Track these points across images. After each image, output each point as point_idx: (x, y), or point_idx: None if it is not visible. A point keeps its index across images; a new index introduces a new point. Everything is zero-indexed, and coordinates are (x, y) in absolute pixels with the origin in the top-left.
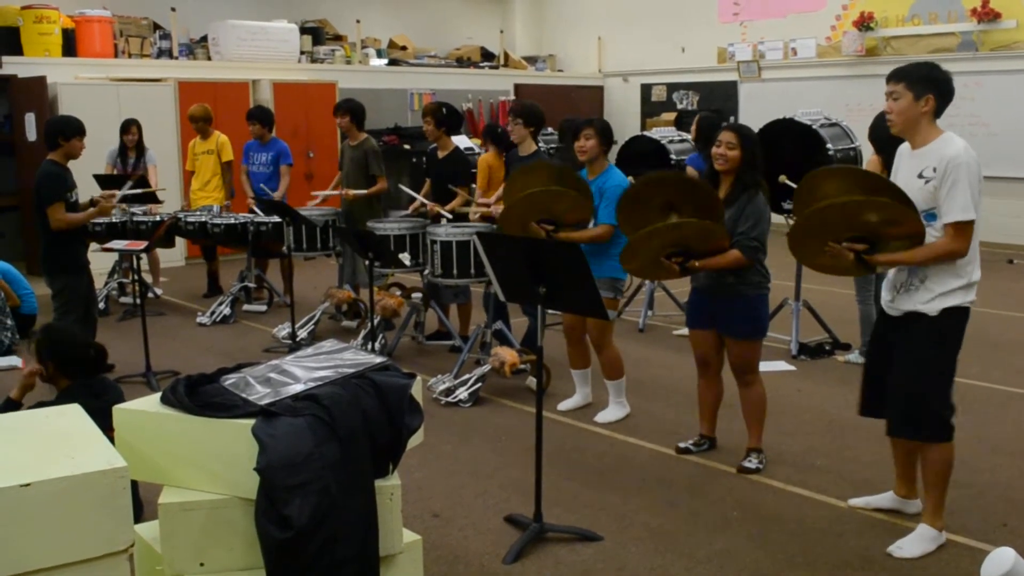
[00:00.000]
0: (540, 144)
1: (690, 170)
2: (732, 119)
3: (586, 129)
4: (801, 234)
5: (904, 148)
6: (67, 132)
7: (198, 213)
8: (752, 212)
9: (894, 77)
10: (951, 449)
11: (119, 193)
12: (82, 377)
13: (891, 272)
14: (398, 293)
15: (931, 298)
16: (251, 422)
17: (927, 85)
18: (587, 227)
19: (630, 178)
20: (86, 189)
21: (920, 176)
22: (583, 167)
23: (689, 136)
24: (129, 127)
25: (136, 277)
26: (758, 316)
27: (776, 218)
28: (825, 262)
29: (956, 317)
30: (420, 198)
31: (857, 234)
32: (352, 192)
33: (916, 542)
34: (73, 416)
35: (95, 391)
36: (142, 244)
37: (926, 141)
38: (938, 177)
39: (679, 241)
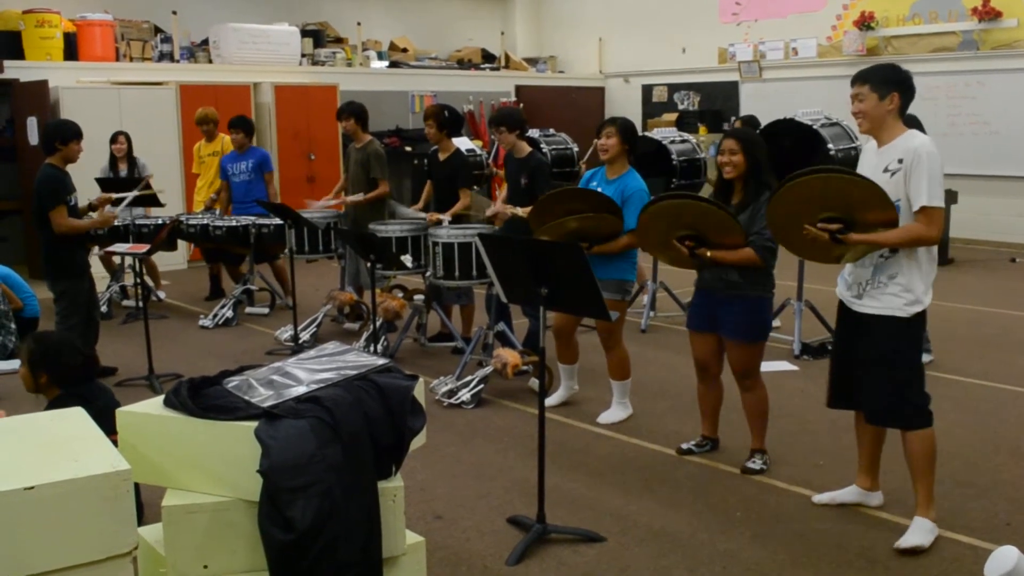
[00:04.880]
0: (542, 146)
1: None
2: (732, 118)
3: (608, 128)
4: (779, 212)
5: (870, 146)
6: (64, 136)
7: (200, 215)
8: (767, 213)
9: (858, 80)
10: (933, 435)
11: (118, 199)
12: (74, 386)
13: (849, 267)
14: (400, 295)
15: (904, 303)
16: (254, 424)
17: (890, 85)
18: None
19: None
20: (88, 193)
21: (885, 170)
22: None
23: (690, 137)
24: (116, 137)
25: (138, 280)
26: (761, 319)
27: None
28: (809, 247)
29: (922, 317)
30: (416, 213)
31: (832, 214)
32: (350, 199)
33: (916, 535)
34: (76, 419)
35: (85, 397)
36: (144, 247)
37: (892, 138)
38: (905, 167)
39: (692, 224)
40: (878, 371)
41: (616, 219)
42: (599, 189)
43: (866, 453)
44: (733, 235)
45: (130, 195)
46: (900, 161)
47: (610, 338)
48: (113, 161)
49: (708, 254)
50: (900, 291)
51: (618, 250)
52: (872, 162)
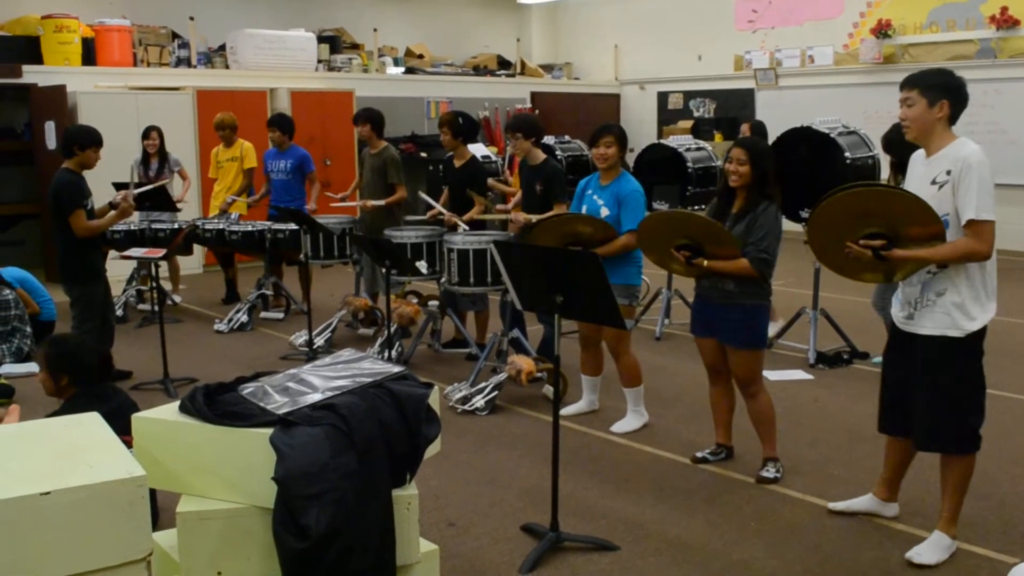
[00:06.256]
0: (557, 152)
1: None
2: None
3: (606, 136)
4: (818, 234)
5: (918, 155)
6: (83, 142)
7: (216, 220)
8: (764, 223)
9: (908, 84)
10: (974, 459)
11: (133, 192)
12: (89, 385)
13: (902, 286)
14: (415, 301)
15: (956, 321)
16: (269, 431)
17: (941, 91)
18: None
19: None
20: (104, 197)
21: (933, 182)
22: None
23: (706, 144)
24: (149, 133)
25: (154, 284)
26: (756, 326)
27: (793, 226)
28: (853, 266)
29: (979, 336)
30: (438, 207)
31: (874, 230)
32: (370, 203)
33: (932, 549)
34: (92, 424)
35: (101, 397)
36: (160, 252)
37: (941, 147)
38: (953, 178)
39: (690, 234)
40: (932, 396)
41: (609, 226)
42: (594, 196)
43: (891, 468)
44: (729, 247)
45: (148, 187)
46: (948, 172)
47: (619, 345)
48: (145, 157)
49: (704, 264)
50: (951, 308)
51: (615, 251)
52: (920, 172)
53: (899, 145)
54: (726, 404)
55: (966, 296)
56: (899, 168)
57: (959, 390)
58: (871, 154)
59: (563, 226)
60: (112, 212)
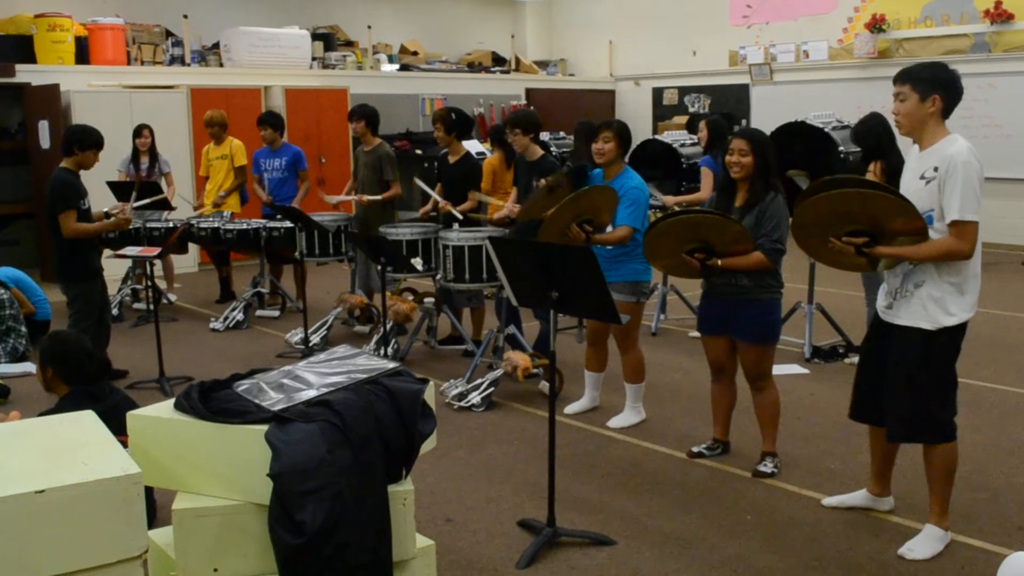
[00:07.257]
0: (552, 148)
1: (705, 171)
2: (744, 122)
3: (604, 132)
4: (801, 230)
5: (914, 148)
6: (84, 143)
7: (211, 219)
8: (773, 214)
9: (900, 78)
10: (954, 448)
11: (131, 206)
12: (83, 385)
13: (887, 277)
14: (410, 298)
15: (930, 314)
16: (264, 428)
17: (933, 86)
18: (607, 230)
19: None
20: (100, 196)
21: (921, 177)
22: (596, 168)
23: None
24: (141, 131)
25: (149, 283)
26: (772, 321)
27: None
28: (835, 258)
29: (954, 333)
30: (433, 194)
31: (857, 227)
32: (366, 198)
33: (925, 542)
34: (87, 422)
35: (95, 396)
36: (155, 250)
37: (933, 142)
38: (940, 176)
39: (700, 237)
40: (901, 386)
41: (613, 194)
42: None
43: (878, 461)
44: (742, 242)
45: (145, 200)
46: (936, 169)
47: (625, 340)
48: (135, 155)
49: (720, 263)
50: (927, 301)
51: (613, 242)
52: (912, 165)
53: (865, 135)
54: (727, 401)
55: (945, 290)
56: (869, 157)
57: (927, 384)
58: None
59: (570, 210)
60: (106, 221)
